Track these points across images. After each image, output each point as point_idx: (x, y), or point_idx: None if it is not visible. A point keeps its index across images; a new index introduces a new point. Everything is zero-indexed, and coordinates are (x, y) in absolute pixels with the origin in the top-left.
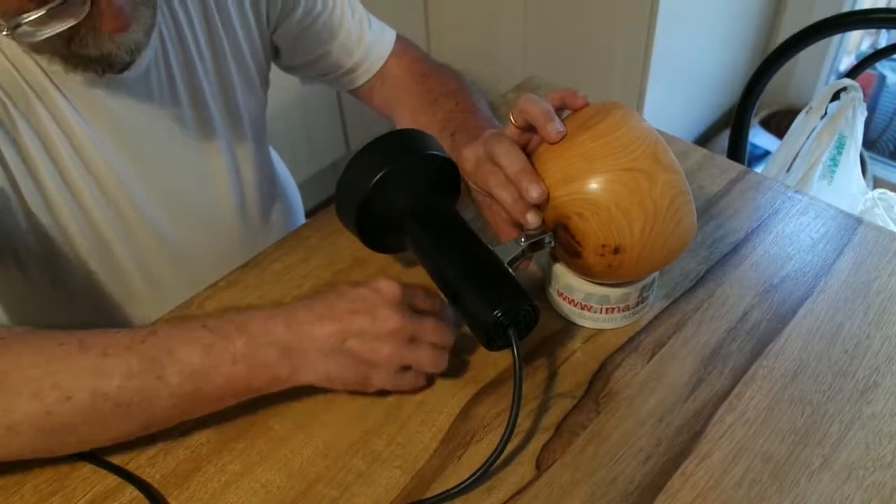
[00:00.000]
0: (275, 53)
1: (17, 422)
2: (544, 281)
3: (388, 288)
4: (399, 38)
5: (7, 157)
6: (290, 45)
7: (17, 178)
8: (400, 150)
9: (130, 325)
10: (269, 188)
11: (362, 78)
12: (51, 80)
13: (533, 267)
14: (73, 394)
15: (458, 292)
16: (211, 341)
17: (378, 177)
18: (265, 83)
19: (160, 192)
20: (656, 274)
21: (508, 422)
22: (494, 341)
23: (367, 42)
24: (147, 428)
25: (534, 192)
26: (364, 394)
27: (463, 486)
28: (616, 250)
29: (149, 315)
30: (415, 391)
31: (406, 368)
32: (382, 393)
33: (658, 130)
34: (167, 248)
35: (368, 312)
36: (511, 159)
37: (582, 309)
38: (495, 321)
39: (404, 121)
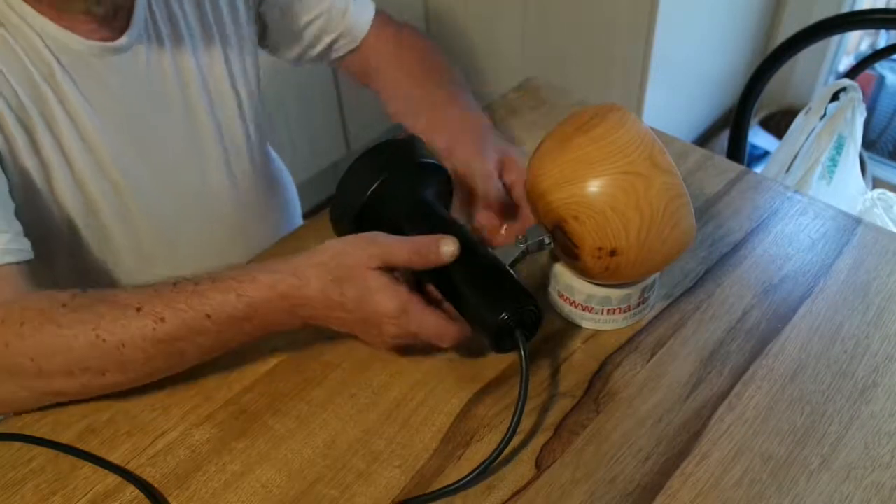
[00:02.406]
0: (262, 31)
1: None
2: (545, 282)
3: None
4: (379, 12)
5: (20, 142)
6: (277, 18)
7: (26, 158)
8: (393, 161)
9: None
10: (264, 177)
11: (344, 49)
12: (56, 59)
13: (534, 269)
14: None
15: (462, 296)
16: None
17: (372, 189)
18: (255, 64)
19: (153, 172)
20: (657, 275)
21: (512, 421)
22: (502, 343)
23: (351, 14)
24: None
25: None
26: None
27: (462, 482)
28: (612, 253)
29: None
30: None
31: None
32: (385, 390)
33: (657, 130)
34: (161, 228)
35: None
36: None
37: (583, 310)
38: (502, 324)
39: (386, 94)
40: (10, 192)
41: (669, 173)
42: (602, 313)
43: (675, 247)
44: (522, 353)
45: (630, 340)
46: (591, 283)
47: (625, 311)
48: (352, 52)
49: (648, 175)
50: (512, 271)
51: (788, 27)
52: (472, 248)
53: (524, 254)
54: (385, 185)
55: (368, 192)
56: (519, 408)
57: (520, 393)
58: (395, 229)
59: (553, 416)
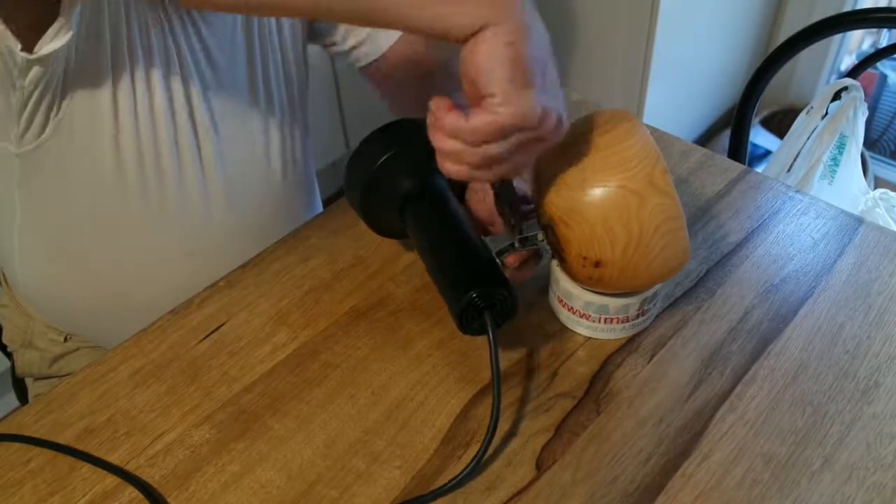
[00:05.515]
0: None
1: None
2: (546, 285)
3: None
4: None
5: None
6: None
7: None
8: (408, 136)
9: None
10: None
11: (373, 55)
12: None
13: (536, 272)
14: None
15: (443, 274)
16: None
17: (384, 158)
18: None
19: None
20: (659, 286)
21: (492, 411)
22: (469, 324)
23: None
24: None
25: None
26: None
27: (455, 481)
28: (597, 264)
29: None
30: None
31: None
32: (385, 390)
33: (659, 130)
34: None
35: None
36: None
37: (580, 317)
38: (470, 302)
39: (404, 111)
40: None
41: (666, 195)
42: (599, 321)
43: (663, 269)
44: (490, 334)
45: (631, 341)
46: (589, 290)
47: (622, 322)
48: (376, 63)
49: (644, 194)
50: (498, 260)
51: (790, 26)
52: (464, 231)
53: (512, 246)
54: (396, 157)
55: (379, 161)
56: (495, 394)
57: (493, 377)
58: (399, 203)
59: (553, 417)
